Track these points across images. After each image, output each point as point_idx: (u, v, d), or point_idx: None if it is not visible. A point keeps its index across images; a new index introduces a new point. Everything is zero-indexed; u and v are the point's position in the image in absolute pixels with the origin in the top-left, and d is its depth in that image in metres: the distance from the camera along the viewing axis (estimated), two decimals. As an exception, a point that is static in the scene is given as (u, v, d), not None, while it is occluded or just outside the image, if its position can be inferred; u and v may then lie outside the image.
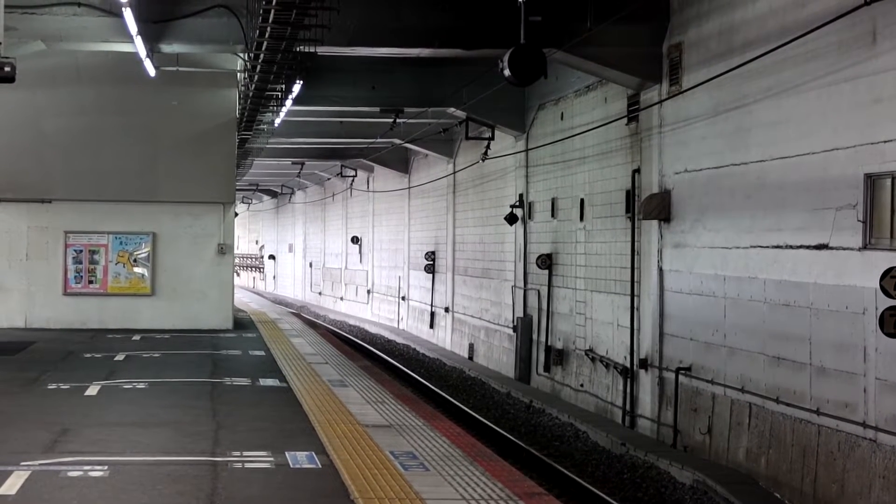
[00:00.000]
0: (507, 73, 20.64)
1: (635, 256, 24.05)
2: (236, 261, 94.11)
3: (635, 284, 24.03)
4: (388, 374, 26.63)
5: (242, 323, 34.96)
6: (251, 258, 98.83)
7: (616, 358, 25.36)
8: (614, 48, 22.72)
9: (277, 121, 34.27)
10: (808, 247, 17.00)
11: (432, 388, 31.00)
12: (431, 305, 45.98)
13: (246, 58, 23.97)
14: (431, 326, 45.93)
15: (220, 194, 32.31)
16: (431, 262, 45.62)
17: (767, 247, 18.32)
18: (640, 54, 22.93)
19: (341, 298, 65.17)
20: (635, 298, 24.04)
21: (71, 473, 12.02)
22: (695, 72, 21.22)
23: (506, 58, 20.52)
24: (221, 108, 32.33)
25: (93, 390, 18.96)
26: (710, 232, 20.60)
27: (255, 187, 79.39)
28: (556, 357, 29.75)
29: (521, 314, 32.87)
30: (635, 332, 24.08)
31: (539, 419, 26.34)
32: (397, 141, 41.96)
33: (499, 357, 35.49)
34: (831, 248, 16.35)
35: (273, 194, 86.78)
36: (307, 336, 31.11)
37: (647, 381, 23.47)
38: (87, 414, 16.46)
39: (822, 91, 16.75)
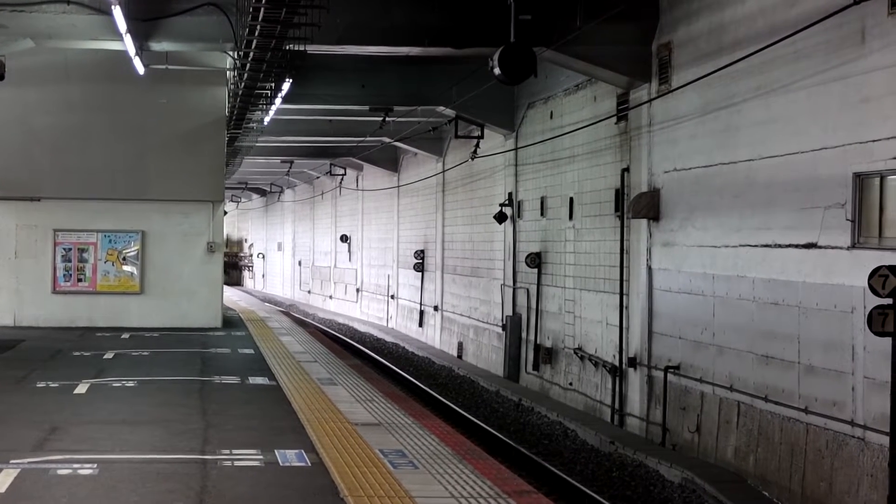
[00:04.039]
0: (497, 71, 20.66)
1: (624, 255, 24.08)
2: (225, 259, 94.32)
3: (624, 283, 24.06)
4: (378, 373, 26.62)
5: (231, 321, 34.96)
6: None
7: (605, 356, 25.39)
8: (604, 47, 22.74)
9: (267, 119, 34.26)
10: (796, 246, 17.04)
11: (421, 386, 31.00)
12: (421, 304, 45.99)
13: (235, 56, 23.94)
14: (421, 325, 45.94)
15: (209, 192, 32.29)
16: (421, 261, 45.63)
17: (756, 245, 18.36)
18: (629, 53, 22.96)
19: (330, 297, 65.14)
20: (624, 297, 24.08)
21: (60, 471, 12.02)
22: (684, 71, 21.25)
23: (496, 56, 20.54)
24: (211, 106, 32.32)
25: (82, 388, 18.95)
26: (699, 230, 20.64)
27: (244, 185, 79.37)
28: (545, 355, 29.78)
29: (510, 313, 32.90)
30: (624, 330, 24.12)
31: (528, 417, 26.36)
32: (386, 139, 41.98)
33: (488, 355, 35.51)
34: (820, 247, 16.39)
35: (262, 192, 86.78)
36: (296, 334, 31.11)
37: (635, 379, 23.51)
38: (76, 412, 16.44)
39: (811, 90, 16.79)
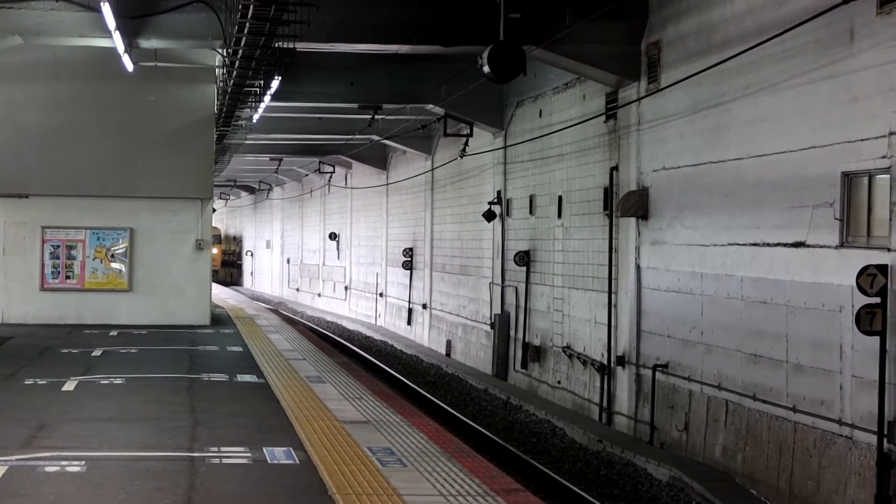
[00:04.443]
0: (486, 69, 20.66)
1: (613, 254, 24.10)
2: (224, 257, 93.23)
3: (613, 282, 24.08)
4: (366, 371, 26.60)
5: (220, 319, 34.91)
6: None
7: (593, 355, 25.41)
8: (593, 45, 22.75)
9: (256, 117, 34.23)
10: (785, 245, 17.07)
11: (410, 384, 31.02)
12: (409, 302, 45.98)
13: (224, 53, 23.92)
14: (409, 323, 45.93)
15: (198, 190, 32.23)
16: (409, 259, 45.62)
17: (745, 244, 18.38)
18: (618, 52, 22.96)
19: (319, 295, 65.09)
20: (613, 295, 24.09)
21: (48, 468, 11.99)
22: (673, 69, 21.27)
23: (485, 55, 20.54)
24: (200, 103, 32.25)
25: (70, 386, 18.92)
26: (687, 229, 20.66)
27: (232, 183, 79.26)
28: (534, 354, 29.79)
29: (498, 311, 32.90)
30: (613, 329, 24.14)
31: (516, 416, 26.38)
32: (375, 137, 41.97)
33: (476, 354, 35.52)
34: (808, 246, 16.42)
35: (251, 190, 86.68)
36: (285, 332, 31.09)
37: (624, 378, 23.52)
38: (64, 409, 16.41)
39: (799, 89, 16.81)
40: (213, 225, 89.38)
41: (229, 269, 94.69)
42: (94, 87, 31.45)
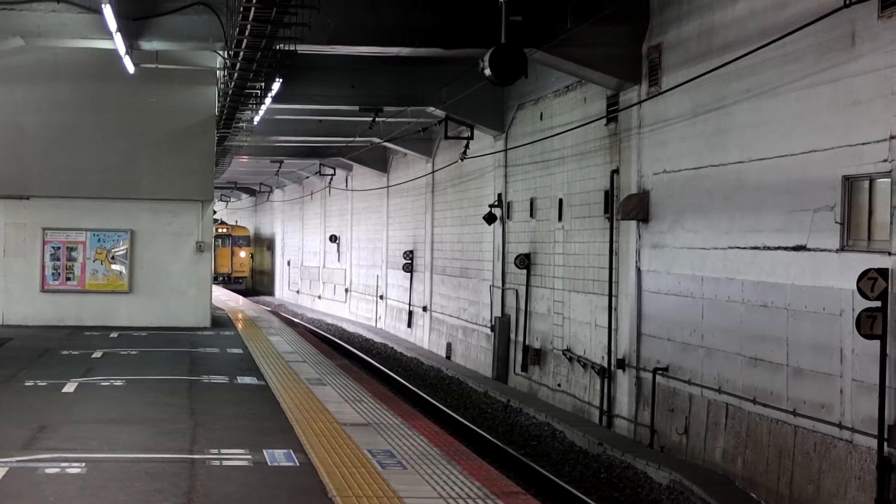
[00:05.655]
0: (487, 72, 20.66)
1: (613, 257, 24.10)
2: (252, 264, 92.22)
3: (613, 285, 24.08)
4: (366, 373, 26.59)
5: (220, 321, 34.89)
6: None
7: (593, 358, 25.40)
8: (594, 48, 22.76)
9: (256, 119, 34.23)
10: (785, 248, 17.06)
11: (410, 387, 31.00)
12: (409, 304, 45.97)
13: (225, 55, 23.94)
14: (409, 325, 45.92)
15: (198, 192, 32.21)
16: (410, 262, 45.63)
17: (745, 248, 18.38)
18: (619, 55, 22.97)
19: (319, 297, 65.10)
20: (613, 298, 24.09)
21: (48, 470, 11.98)
22: (674, 73, 21.27)
23: (486, 57, 20.54)
24: (200, 105, 32.23)
25: (70, 387, 18.91)
26: (688, 232, 20.65)
27: (233, 185, 79.22)
28: (534, 357, 29.79)
29: (498, 314, 32.90)
30: (613, 332, 24.13)
31: (516, 418, 26.37)
32: (376, 140, 41.98)
33: (476, 356, 35.51)
34: (809, 250, 16.42)
35: (251, 192, 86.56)
36: (285, 334, 31.07)
37: (624, 381, 23.52)
38: (64, 411, 16.41)
39: (800, 93, 16.81)
40: (241, 225, 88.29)
41: (260, 277, 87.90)
42: (94, 88, 31.44)
